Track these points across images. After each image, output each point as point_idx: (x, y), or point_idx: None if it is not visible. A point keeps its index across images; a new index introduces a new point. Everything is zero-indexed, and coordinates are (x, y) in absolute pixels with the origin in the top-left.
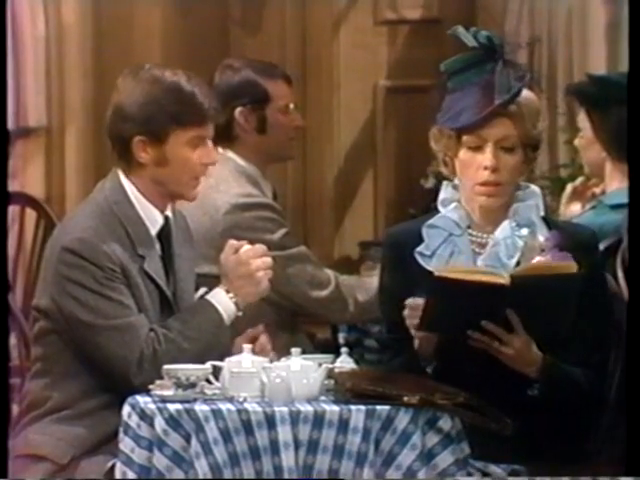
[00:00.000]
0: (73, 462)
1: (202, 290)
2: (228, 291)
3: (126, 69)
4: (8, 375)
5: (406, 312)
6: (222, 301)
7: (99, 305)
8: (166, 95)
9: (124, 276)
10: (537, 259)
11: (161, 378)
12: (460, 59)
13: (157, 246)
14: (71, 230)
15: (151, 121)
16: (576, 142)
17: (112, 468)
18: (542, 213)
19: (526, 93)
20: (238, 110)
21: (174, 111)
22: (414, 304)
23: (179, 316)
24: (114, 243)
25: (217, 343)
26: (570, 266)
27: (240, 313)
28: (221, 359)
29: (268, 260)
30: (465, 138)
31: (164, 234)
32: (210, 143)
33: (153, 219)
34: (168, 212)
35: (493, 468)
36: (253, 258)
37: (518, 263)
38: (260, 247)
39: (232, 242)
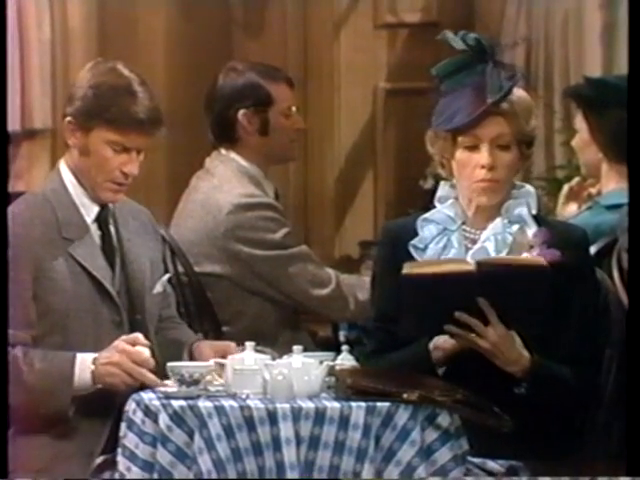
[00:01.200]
0: (48, 465)
1: (166, 276)
2: (95, 360)
3: (99, 58)
4: (8, 375)
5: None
6: (83, 365)
7: None
8: (104, 87)
9: (34, 264)
10: (524, 255)
11: None
12: (450, 62)
13: (95, 232)
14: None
15: (82, 107)
16: (573, 143)
17: (100, 465)
18: (534, 211)
19: (518, 91)
20: (241, 112)
21: (102, 105)
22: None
23: (47, 352)
24: (36, 227)
25: (55, 395)
26: (537, 259)
27: (99, 385)
28: (59, 412)
29: (123, 362)
30: (460, 139)
31: (103, 219)
32: (135, 154)
33: (89, 205)
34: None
35: (491, 464)
36: (126, 353)
37: None
38: (139, 353)
39: (136, 335)
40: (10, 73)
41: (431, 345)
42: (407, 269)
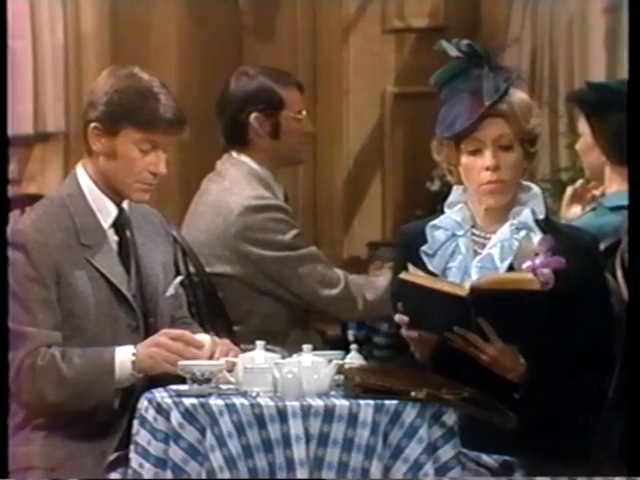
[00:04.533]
0: (62, 463)
1: (179, 278)
2: (135, 352)
3: (114, 65)
4: (8, 376)
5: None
6: (123, 354)
7: (11, 308)
8: (129, 90)
9: (54, 269)
10: (527, 263)
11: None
12: (447, 70)
13: (112, 237)
14: (17, 224)
15: (108, 111)
16: (577, 146)
17: (113, 462)
18: (541, 216)
19: (515, 91)
20: (253, 115)
21: (130, 107)
22: (400, 320)
23: (85, 349)
24: (55, 233)
25: (98, 388)
26: (531, 281)
27: (137, 374)
28: (100, 405)
29: (177, 346)
30: (463, 145)
31: (119, 225)
32: (162, 154)
33: (105, 211)
34: (124, 204)
35: (485, 458)
36: (172, 337)
37: (511, 265)
38: (189, 336)
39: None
40: (24, 77)
41: (412, 347)
42: (404, 275)
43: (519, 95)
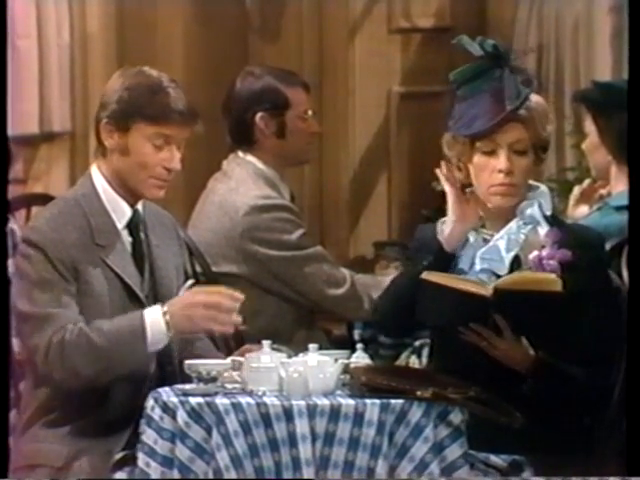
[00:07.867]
0: (69, 462)
1: (189, 282)
2: (166, 312)
3: (121, 67)
4: (8, 376)
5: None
6: (153, 316)
7: (33, 295)
8: (139, 87)
9: (71, 266)
10: (534, 253)
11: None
12: (468, 69)
13: (126, 238)
14: (32, 222)
15: (119, 108)
16: (583, 146)
17: (119, 460)
18: (548, 212)
19: (535, 97)
20: (259, 115)
21: (140, 102)
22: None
23: (110, 319)
24: (70, 232)
25: (130, 352)
26: (554, 281)
27: (170, 334)
28: (135, 371)
29: (215, 300)
30: (479, 144)
31: (134, 226)
32: (176, 150)
33: (120, 211)
34: (139, 206)
35: (494, 459)
36: (207, 293)
37: (517, 257)
38: (225, 291)
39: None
40: (30, 77)
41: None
42: (426, 275)
43: (538, 101)
